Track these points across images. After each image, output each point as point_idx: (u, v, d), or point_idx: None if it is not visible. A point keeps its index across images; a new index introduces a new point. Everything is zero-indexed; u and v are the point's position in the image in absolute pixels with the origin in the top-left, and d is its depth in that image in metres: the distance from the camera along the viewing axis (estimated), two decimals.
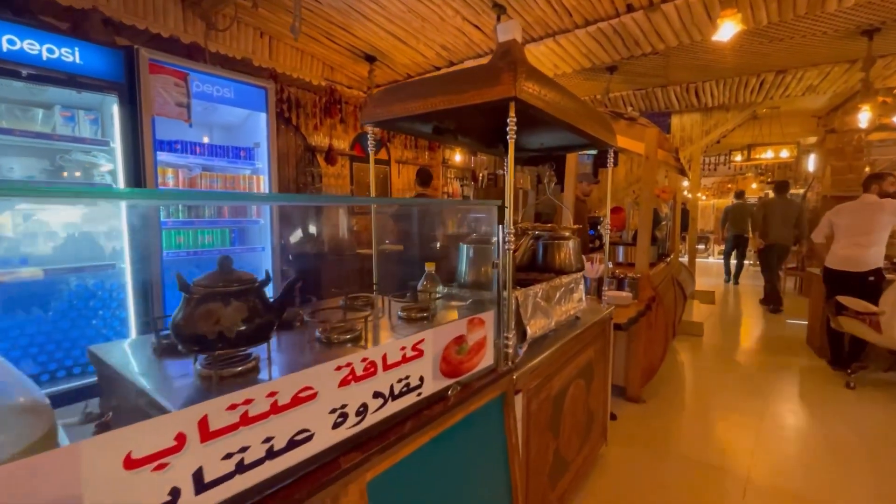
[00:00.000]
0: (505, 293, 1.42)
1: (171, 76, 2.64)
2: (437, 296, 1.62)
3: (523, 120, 1.50)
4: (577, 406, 1.96)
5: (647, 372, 3.20)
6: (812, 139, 7.53)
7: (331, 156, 4.35)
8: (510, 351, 1.39)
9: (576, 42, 3.41)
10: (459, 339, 1.16)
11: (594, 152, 8.00)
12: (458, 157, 5.59)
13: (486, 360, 1.29)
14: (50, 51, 2.23)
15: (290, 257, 3.71)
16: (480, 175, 6.55)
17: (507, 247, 1.36)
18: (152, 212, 2.59)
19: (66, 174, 2.51)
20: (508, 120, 1.36)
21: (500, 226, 1.38)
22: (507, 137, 1.38)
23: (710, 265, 10.90)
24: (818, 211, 6.17)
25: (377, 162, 5.31)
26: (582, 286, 2.10)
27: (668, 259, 4.33)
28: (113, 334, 2.64)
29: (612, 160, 2.36)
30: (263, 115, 3.20)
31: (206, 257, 3.01)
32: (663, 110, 5.62)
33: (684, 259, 6.43)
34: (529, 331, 1.54)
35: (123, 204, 2.51)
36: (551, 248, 2.03)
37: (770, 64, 4.21)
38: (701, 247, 12.03)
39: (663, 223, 4.68)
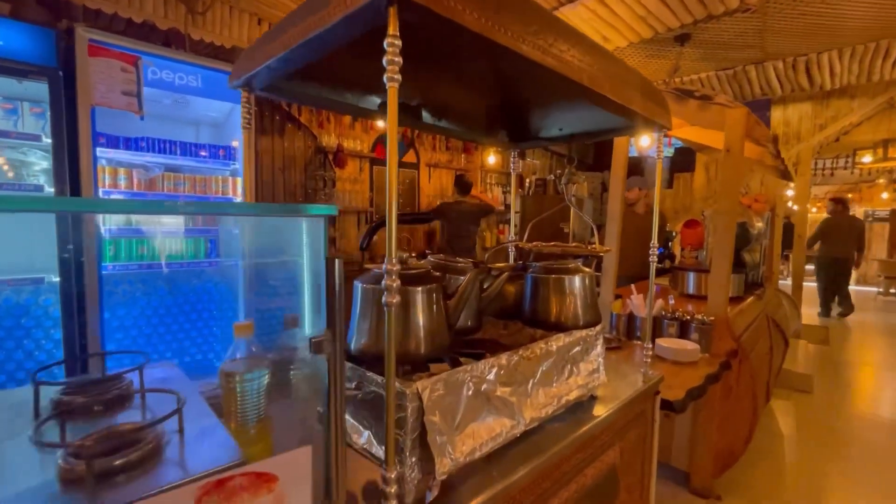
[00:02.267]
0: (371, 389, 0.72)
1: (116, 60, 2.26)
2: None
3: (528, 88, 0.79)
4: None
5: (723, 456, 2.23)
6: None
7: (339, 157, 3.85)
8: None
9: (629, 0, 2.57)
10: None
11: (669, 153, 6.80)
12: (491, 158, 4.85)
13: None
14: None
15: None
16: (528, 181, 5.74)
17: (386, 295, 0.67)
18: (87, 217, 2.21)
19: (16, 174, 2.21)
20: (385, 44, 0.66)
21: (336, 258, 0.69)
22: (385, 80, 0.68)
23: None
24: None
25: (404, 165, 4.75)
26: (598, 348, 1.31)
27: (762, 291, 3.23)
28: (44, 357, 2.30)
29: (660, 154, 1.55)
30: (228, 106, 2.76)
31: (172, 270, 2.60)
32: (759, 97, 4.41)
33: (786, 284, 5.07)
34: (456, 454, 0.81)
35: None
36: (543, 287, 1.27)
37: None
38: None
39: (755, 243, 3.56)
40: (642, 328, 2.34)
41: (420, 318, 0.90)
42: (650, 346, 1.57)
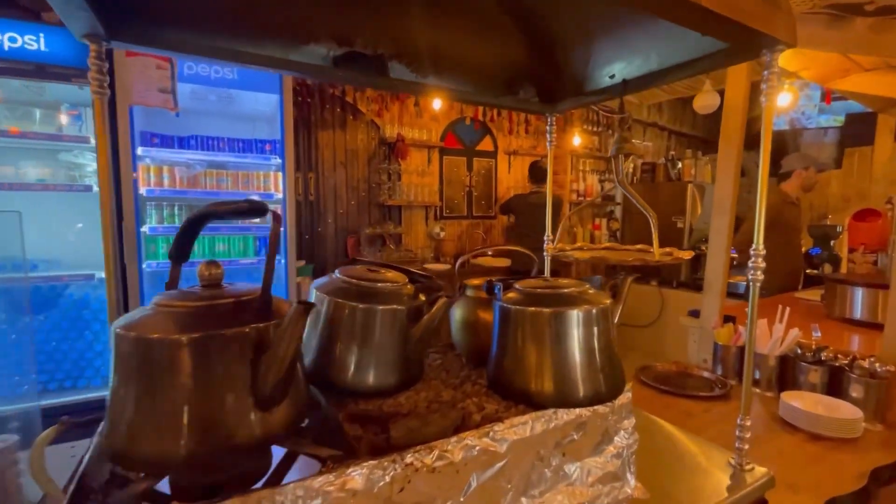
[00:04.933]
0: None
1: (151, 58, 2.25)
2: None
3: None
4: None
5: None
6: None
7: (400, 148, 3.56)
8: None
9: None
10: None
11: (838, 122, 5.14)
12: (577, 139, 4.08)
13: None
14: (13, 39, 2.04)
15: None
16: (633, 165, 4.81)
17: None
18: (128, 215, 2.25)
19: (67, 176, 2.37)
20: None
21: None
22: None
23: None
24: None
25: (479, 154, 4.30)
26: (622, 434, 0.75)
27: None
28: (102, 348, 2.42)
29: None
30: (272, 98, 2.61)
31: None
32: None
33: None
34: None
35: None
36: (509, 328, 0.75)
37: None
38: None
39: None
40: (759, 369, 1.58)
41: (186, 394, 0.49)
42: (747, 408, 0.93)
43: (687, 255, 1.09)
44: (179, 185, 2.48)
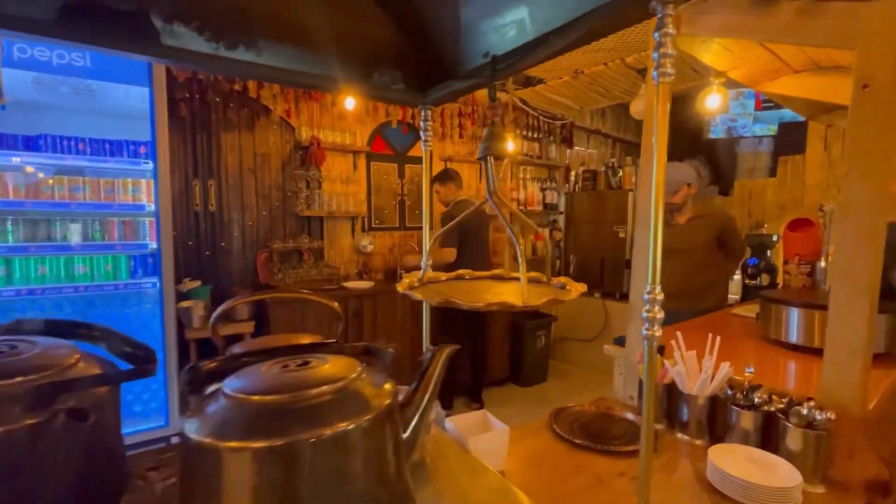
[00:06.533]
0: None
1: None
2: None
3: None
4: None
5: None
6: None
7: (311, 152, 3.19)
8: None
9: None
10: None
11: (771, 131, 5.20)
12: (510, 145, 3.87)
13: None
14: None
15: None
16: (574, 172, 4.65)
17: None
18: None
19: None
20: None
21: None
22: None
23: None
24: None
25: (412, 161, 3.99)
26: None
27: None
28: None
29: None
30: (146, 92, 2.19)
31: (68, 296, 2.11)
32: None
33: None
34: None
35: None
36: (198, 476, 0.41)
37: None
38: None
39: None
40: (688, 409, 1.34)
41: None
42: None
43: (578, 290, 0.80)
44: (14, 194, 2.01)
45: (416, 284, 1.00)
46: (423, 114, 1.14)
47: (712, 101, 2.50)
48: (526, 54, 0.81)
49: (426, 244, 1.18)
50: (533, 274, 1.01)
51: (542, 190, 4.51)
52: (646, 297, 0.62)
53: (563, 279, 0.92)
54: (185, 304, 2.62)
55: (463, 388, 3.48)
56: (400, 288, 0.84)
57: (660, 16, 0.59)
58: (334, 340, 0.68)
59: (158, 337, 2.27)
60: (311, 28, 0.94)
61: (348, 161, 3.61)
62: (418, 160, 4.01)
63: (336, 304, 1.02)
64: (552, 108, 4.62)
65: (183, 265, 2.93)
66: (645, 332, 0.62)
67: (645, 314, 0.62)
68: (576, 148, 4.97)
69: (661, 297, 0.61)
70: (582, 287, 0.85)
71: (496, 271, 1.09)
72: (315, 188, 3.42)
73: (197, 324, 2.62)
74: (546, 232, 4.56)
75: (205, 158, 3.01)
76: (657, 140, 0.62)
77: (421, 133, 1.16)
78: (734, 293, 3.80)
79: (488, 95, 0.90)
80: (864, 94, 1.12)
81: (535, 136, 4.53)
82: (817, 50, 1.87)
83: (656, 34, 0.59)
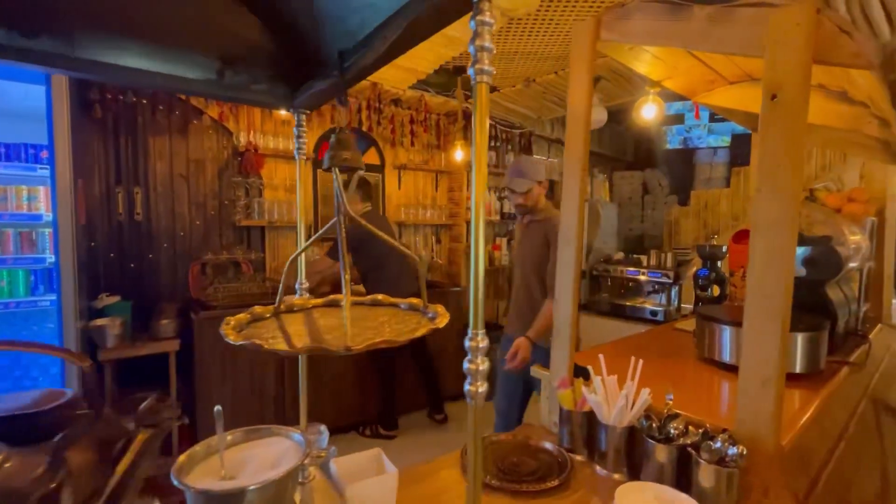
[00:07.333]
0: None
1: None
2: None
3: None
4: None
5: None
6: None
7: (247, 158, 3.03)
8: None
9: None
10: None
11: (725, 143, 5.30)
12: (459, 154, 3.75)
13: None
14: None
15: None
16: None
17: None
18: None
19: None
20: None
21: None
22: None
23: None
24: None
25: (370, 169, 3.85)
26: None
27: (863, 352, 1.92)
28: None
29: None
30: (43, 91, 2.00)
31: None
32: None
33: None
34: None
35: None
36: None
37: None
38: None
39: (851, 266, 2.20)
40: (606, 439, 1.25)
41: None
42: None
43: (424, 329, 0.69)
44: None
45: (268, 315, 0.87)
46: (296, 118, 1.02)
47: (648, 111, 2.46)
48: (368, 49, 0.70)
49: (302, 265, 1.05)
50: (413, 301, 0.90)
51: (500, 199, 4.44)
52: (466, 343, 0.51)
53: (437, 307, 0.81)
54: (98, 322, 2.41)
55: (423, 403, 3.52)
56: (225, 329, 0.70)
57: (475, 0, 0.48)
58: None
59: (57, 361, 2.06)
60: (141, 16, 0.81)
61: (292, 168, 3.45)
62: (370, 168, 3.87)
63: (76, 356, 0.80)
64: (510, 117, 4.57)
65: (103, 279, 2.71)
66: (467, 386, 0.51)
67: (467, 363, 0.50)
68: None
69: (483, 342, 0.50)
70: (445, 319, 0.74)
71: (377, 296, 0.98)
72: (255, 196, 3.25)
73: (111, 343, 2.41)
74: (503, 242, 4.47)
75: (129, 164, 2.80)
76: (475, 148, 0.51)
77: (295, 141, 1.04)
78: (687, 303, 3.80)
79: (336, 99, 0.78)
80: (772, 105, 1.06)
81: (493, 144, 4.46)
82: (748, 61, 1.83)
83: (472, 22, 0.49)
